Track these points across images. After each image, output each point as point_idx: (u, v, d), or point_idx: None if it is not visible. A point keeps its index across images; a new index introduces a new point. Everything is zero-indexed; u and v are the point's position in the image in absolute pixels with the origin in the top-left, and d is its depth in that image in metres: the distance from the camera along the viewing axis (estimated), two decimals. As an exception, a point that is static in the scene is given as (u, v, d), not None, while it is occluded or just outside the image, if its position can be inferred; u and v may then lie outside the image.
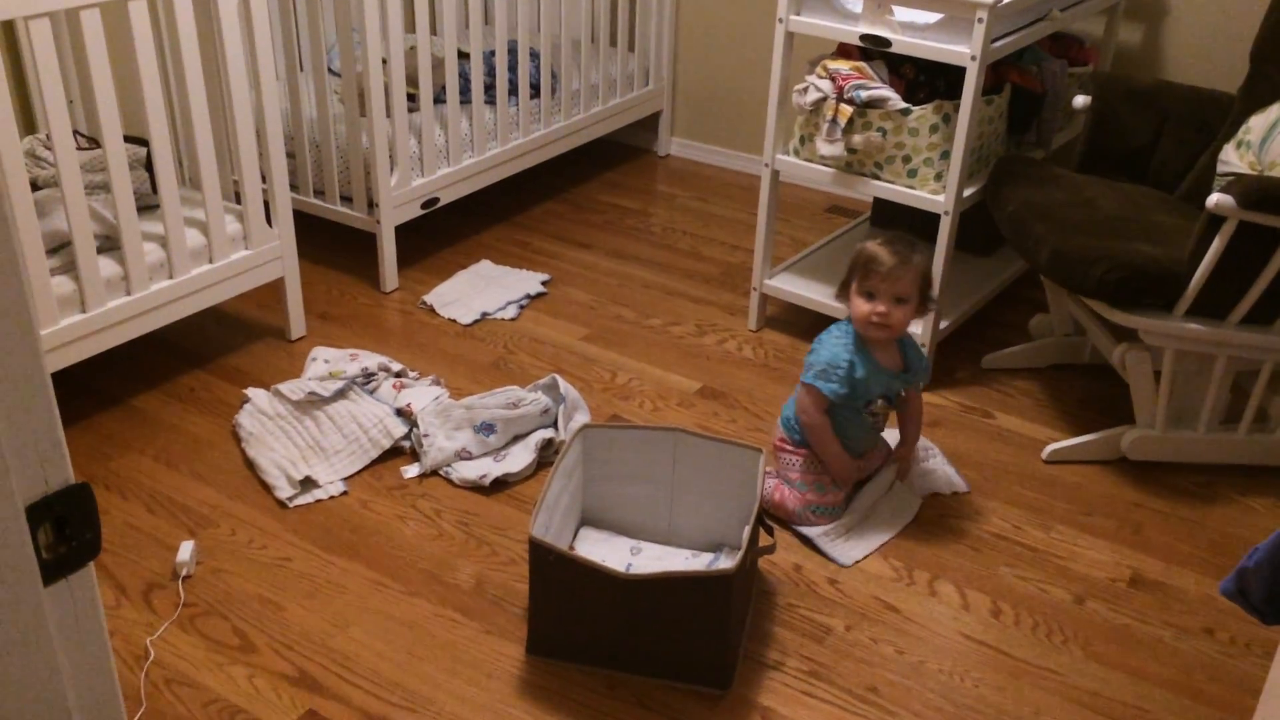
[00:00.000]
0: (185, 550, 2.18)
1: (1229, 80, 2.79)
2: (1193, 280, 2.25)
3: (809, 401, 2.24)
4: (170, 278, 2.59)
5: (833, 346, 2.24)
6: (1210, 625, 2.11)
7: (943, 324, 2.80)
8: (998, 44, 2.54)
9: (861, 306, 2.19)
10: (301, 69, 3.32)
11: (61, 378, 2.63)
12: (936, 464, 2.49)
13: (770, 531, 2.08)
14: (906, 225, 3.27)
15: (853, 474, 2.30)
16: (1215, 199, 2.15)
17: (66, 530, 0.73)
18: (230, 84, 2.59)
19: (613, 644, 1.96)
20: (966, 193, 2.67)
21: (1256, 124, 2.48)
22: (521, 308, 3.14)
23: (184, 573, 2.16)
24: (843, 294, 2.25)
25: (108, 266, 2.47)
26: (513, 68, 3.41)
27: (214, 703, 1.90)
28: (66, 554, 0.73)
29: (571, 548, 2.18)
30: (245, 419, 2.55)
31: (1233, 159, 2.52)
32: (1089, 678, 2.00)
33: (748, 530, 1.94)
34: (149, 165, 2.65)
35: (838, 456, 2.27)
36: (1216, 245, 2.19)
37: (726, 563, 2.16)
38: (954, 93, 2.60)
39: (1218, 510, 2.42)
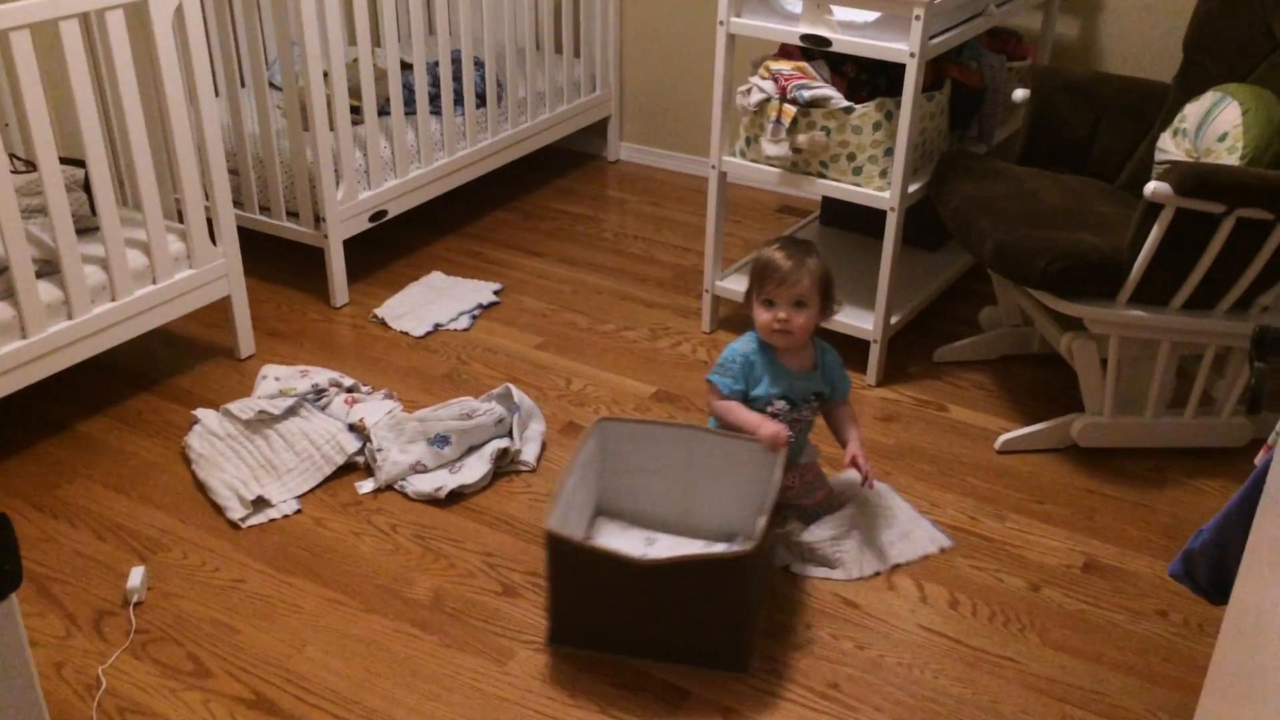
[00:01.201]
0: (136, 576, 2.15)
1: (1164, 70, 2.84)
2: (1134, 268, 2.28)
3: (709, 397, 2.24)
4: (113, 300, 2.55)
5: (735, 345, 2.23)
6: (1163, 607, 2.14)
7: (893, 319, 2.81)
8: (936, 40, 2.56)
9: (762, 315, 2.16)
10: (243, 84, 3.29)
11: (5, 406, 2.59)
12: (914, 526, 2.34)
13: (785, 520, 2.10)
14: (855, 223, 3.29)
15: (774, 424, 2.13)
16: (1152, 187, 2.18)
17: (-14, 562, 0.72)
18: (167, 101, 2.56)
19: (632, 631, 1.98)
20: (911, 189, 2.69)
21: (1191, 112, 2.52)
22: (474, 318, 3.13)
23: (135, 599, 2.12)
24: (746, 305, 2.21)
25: (48, 291, 2.43)
26: (457, 77, 3.39)
27: (169, 730, 1.87)
28: (-14, 586, 0.71)
29: (588, 538, 2.18)
30: (195, 440, 2.51)
31: (1170, 147, 2.56)
32: (1046, 664, 2.01)
33: (763, 520, 1.94)
34: (87, 186, 2.61)
35: (748, 418, 2.16)
36: (1155, 233, 2.22)
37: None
38: (895, 90, 2.62)
39: (1167, 493, 2.45)
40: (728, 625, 1.96)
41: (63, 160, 2.48)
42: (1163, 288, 2.32)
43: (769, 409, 2.19)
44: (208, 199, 2.73)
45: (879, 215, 2.69)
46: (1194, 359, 2.54)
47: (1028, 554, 2.27)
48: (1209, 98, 2.49)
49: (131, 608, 2.11)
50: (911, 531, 2.31)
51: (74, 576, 2.19)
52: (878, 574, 2.20)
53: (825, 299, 2.18)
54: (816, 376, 2.23)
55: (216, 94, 2.89)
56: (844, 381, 2.27)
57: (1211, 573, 1.59)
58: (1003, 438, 2.58)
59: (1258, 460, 1.61)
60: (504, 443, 2.51)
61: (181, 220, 2.70)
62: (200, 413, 2.58)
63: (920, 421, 2.69)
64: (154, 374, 2.85)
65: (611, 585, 1.94)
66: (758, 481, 2.13)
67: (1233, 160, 2.36)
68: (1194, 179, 2.16)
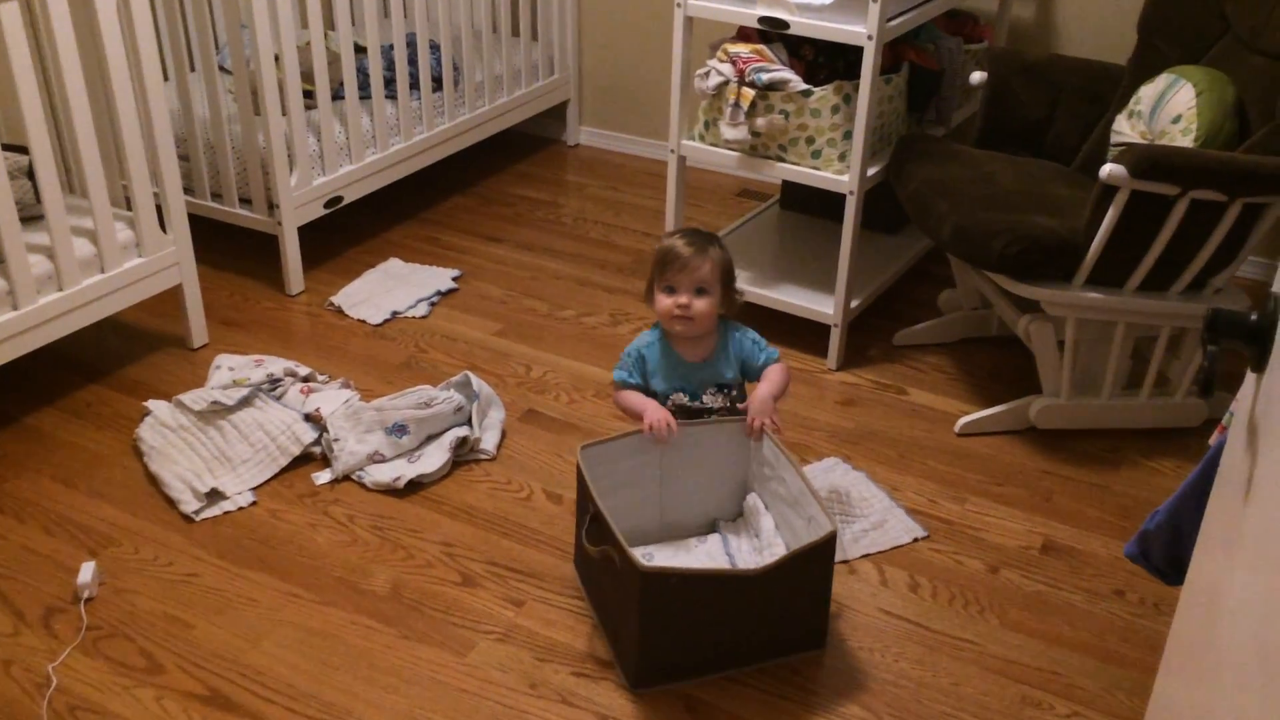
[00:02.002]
0: (86, 571, 2.10)
1: (1119, 52, 2.85)
2: (1090, 250, 2.29)
3: (613, 390, 2.20)
4: (60, 290, 2.49)
5: (635, 340, 2.19)
6: (1120, 587, 2.16)
7: (853, 303, 2.81)
8: (893, 23, 2.55)
9: (663, 302, 2.10)
10: (192, 68, 3.22)
11: (-53, 399, 2.53)
12: (888, 516, 2.31)
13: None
14: (814, 206, 3.29)
15: (658, 411, 2.08)
16: (1108, 169, 2.19)
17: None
18: (113, 85, 2.50)
19: (722, 646, 1.93)
20: (870, 172, 2.69)
21: (1146, 94, 2.53)
22: (432, 305, 3.09)
23: (86, 595, 2.08)
24: (648, 295, 2.15)
25: (-9, 281, 2.37)
26: (413, 61, 3.35)
27: (121, 728, 1.84)
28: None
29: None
30: (146, 432, 2.47)
31: (1125, 129, 2.57)
32: (1005, 646, 2.03)
33: (820, 508, 1.93)
34: (31, 174, 2.54)
35: (638, 404, 2.11)
36: (1111, 215, 2.23)
37: (736, 538, 2.18)
38: (853, 73, 2.61)
39: (1124, 474, 2.47)
40: (816, 607, 1.98)
41: (5, 147, 2.42)
42: (1118, 269, 2.34)
43: (669, 403, 2.15)
44: (157, 186, 2.67)
45: (838, 199, 2.69)
46: (1149, 340, 2.56)
47: (987, 536, 2.28)
48: (1163, 80, 2.50)
49: (82, 604, 2.07)
50: (885, 521, 2.29)
51: (22, 573, 2.15)
52: (844, 562, 2.20)
53: (727, 288, 2.12)
54: (715, 366, 2.16)
55: (165, 78, 2.83)
56: (762, 355, 2.17)
57: (1166, 552, 1.60)
58: (962, 420, 2.59)
59: (1212, 440, 1.62)
60: (463, 431, 2.48)
61: (130, 208, 2.65)
62: (152, 404, 2.53)
63: (880, 405, 2.69)
64: (104, 365, 2.79)
65: (711, 607, 1.86)
66: (728, 462, 2.14)
67: (1187, 142, 2.37)
68: (1149, 161, 2.17)
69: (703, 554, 2.17)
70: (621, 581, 1.86)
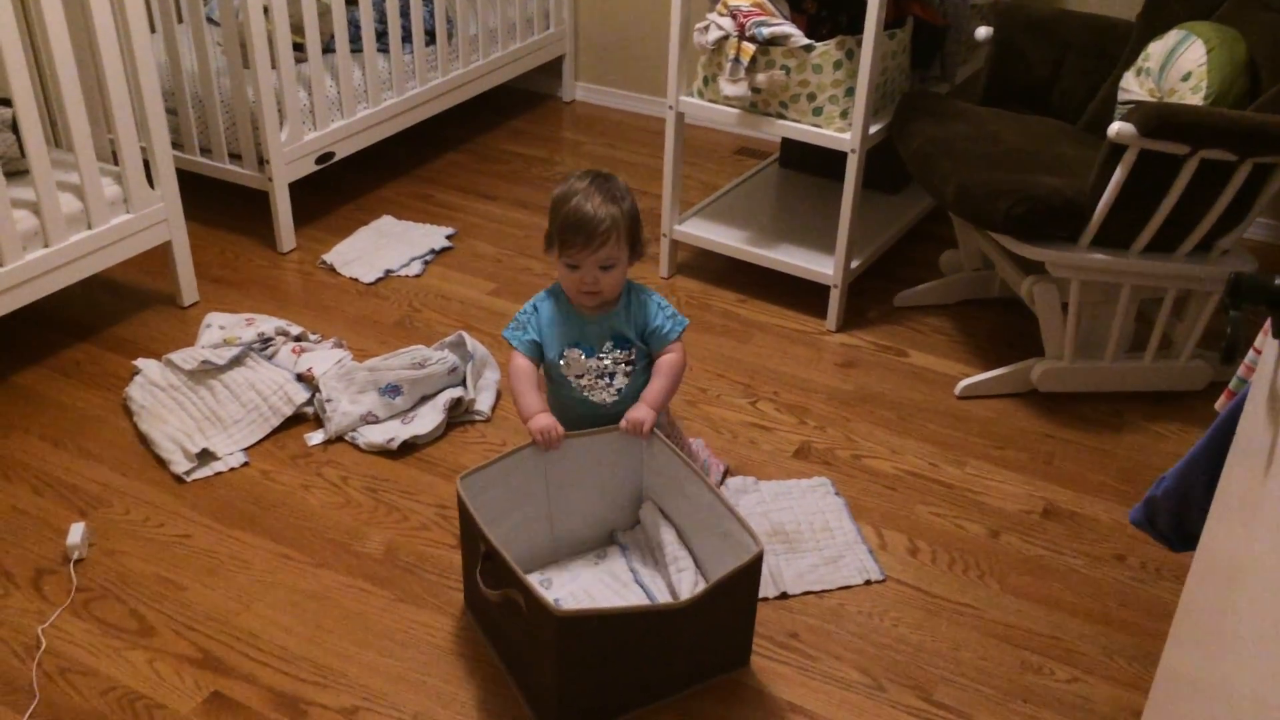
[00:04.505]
0: (76, 532, 2.07)
1: (1128, 7, 2.79)
2: (1096, 211, 2.25)
3: (509, 359, 2.00)
4: (45, 246, 2.44)
5: (526, 305, 2.02)
6: (1121, 552, 2.14)
7: (853, 264, 2.77)
8: (899, -24, 2.49)
9: (568, 278, 1.93)
10: (180, 19, 3.15)
11: (-68, 357, 2.49)
12: (846, 552, 2.12)
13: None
14: (815, 165, 3.24)
15: (544, 419, 1.93)
16: (1116, 127, 2.14)
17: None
18: (98, 36, 2.43)
19: (646, 680, 1.78)
20: (872, 130, 2.63)
21: (1155, 51, 2.48)
22: (426, 263, 3.05)
23: (75, 556, 2.05)
24: (548, 246, 1.96)
25: (-25, 236, 2.32)
26: (405, 13, 3.27)
27: (112, 690, 1.82)
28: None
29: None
30: (136, 391, 2.43)
31: (1133, 87, 2.52)
32: (1005, 610, 2.01)
33: (738, 523, 1.78)
34: (15, 127, 2.48)
35: (525, 405, 1.96)
36: (1118, 174, 2.19)
37: (638, 551, 2.04)
38: (856, 28, 2.55)
39: (1126, 438, 2.45)
40: (741, 627, 1.85)
41: (-13, 99, 2.36)
42: (1124, 230, 2.30)
43: (561, 360, 1.98)
44: (144, 140, 2.61)
45: (839, 157, 2.64)
46: (1153, 303, 2.53)
47: (987, 500, 2.26)
48: (1173, 36, 2.45)
49: (72, 565, 2.04)
50: (841, 557, 2.10)
51: (11, 534, 2.12)
52: (781, 596, 2.01)
53: (634, 247, 1.95)
54: (617, 317, 1.97)
55: (152, 30, 2.76)
56: (666, 324, 1.98)
57: (1173, 520, 1.58)
58: (963, 383, 2.57)
59: (1219, 406, 1.59)
60: (457, 392, 2.45)
61: (116, 162, 2.59)
62: (141, 363, 2.49)
63: (880, 367, 2.66)
64: (92, 323, 2.75)
65: (633, 645, 1.72)
66: (621, 469, 1.99)
67: (1197, 100, 2.33)
68: (1158, 119, 2.12)
69: (605, 574, 2.01)
70: (531, 626, 1.69)
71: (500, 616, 1.81)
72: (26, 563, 2.06)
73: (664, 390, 1.98)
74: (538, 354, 2.00)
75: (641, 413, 1.96)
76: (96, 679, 1.83)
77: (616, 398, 2.00)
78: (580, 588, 1.99)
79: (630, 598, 1.95)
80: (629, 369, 2.00)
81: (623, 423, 1.96)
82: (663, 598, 1.93)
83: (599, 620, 1.69)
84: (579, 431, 1.96)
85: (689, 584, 1.90)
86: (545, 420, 1.93)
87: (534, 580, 1.92)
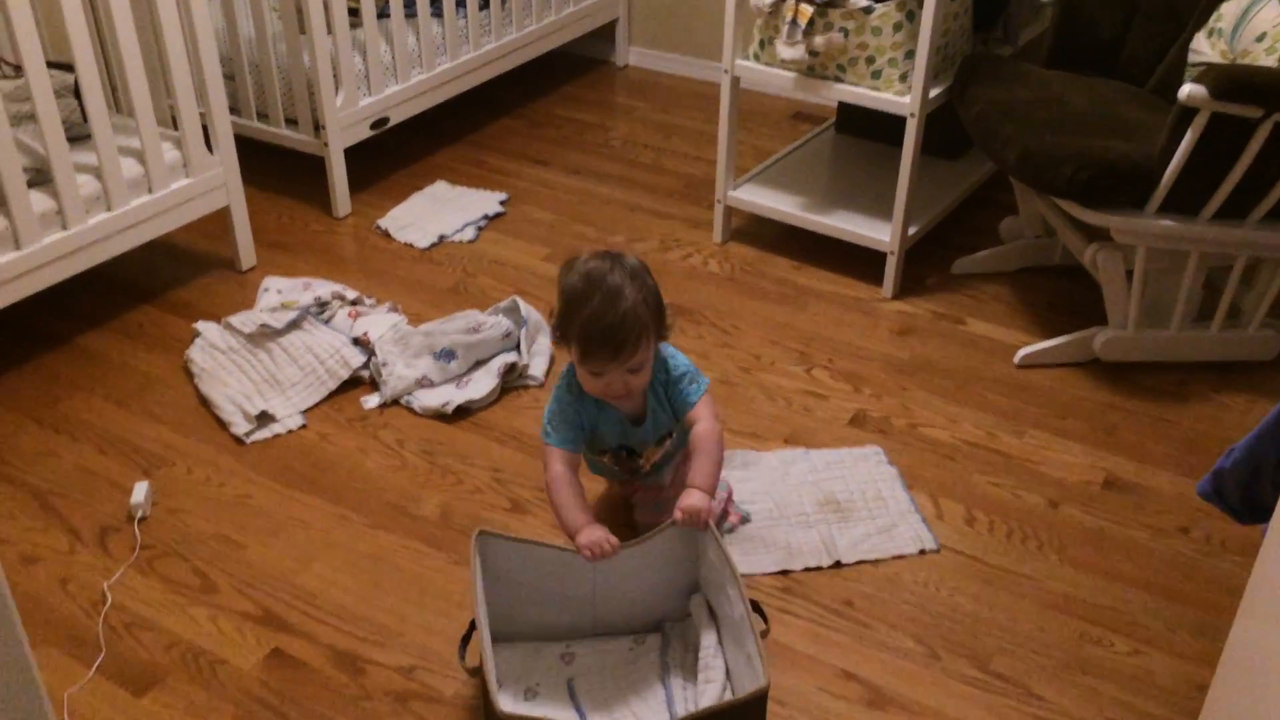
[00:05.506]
0: (140, 491, 2.11)
1: (1200, -33, 2.71)
2: (1165, 176, 2.19)
3: (546, 460, 1.86)
4: (108, 210, 2.48)
5: (557, 393, 1.87)
6: (1185, 524, 2.10)
7: (911, 230, 2.73)
8: (962, -66, 2.44)
9: (592, 383, 1.81)
10: (237, -15, 3.16)
11: (3, 319, 2.54)
12: (900, 521, 2.10)
13: (762, 615, 1.73)
14: (872, 130, 3.19)
15: (595, 531, 1.75)
16: (1187, 90, 2.08)
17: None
18: (157, 3, 2.45)
19: None
20: (933, 93, 2.59)
21: (1229, 10, 2.40)
22: (480, 229, 3.05)
23: (139, 514, 2.09)
24: (558, 337, 1.81)
25: (40, 201, 2.36)
26: (459, -23, 3.26)
27: (176, 645, 1.85)
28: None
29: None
30: (197, 354, 2.46)
31: (1204, 48, 2.45)
32: (1064, 581, 1.98)
33: (756, 650, 1.58)
34: (78, 92, 2.51)
35: (570, 520, 1.79)
36: (1189, 138, 2.13)
37: (680, 644, 1.84)
38: (918, -12, 2.50)
39: (1191, 409, 2.39)
40: None
41: (51, 65, 2.39)
42: (1194, 196, 2.23)
43: (603, 458, 1.96)
44: (202, 106, 2.64)
45: (898, 122, 2.59)
46: (1221, 270, 2.46)
47: (1046, 470, 2.23)
48: (1248, -5, 2.37)
49: (136, 523, 2.08)
50: (895, 526, 2.07)
51: (77, 491, 2.17)
52: (837, 564, 2.00)
53: (659, 332, 1.81)
54: (655, 419, 1.90)
55: (209, -5, 2.77)
56: (687, 389, 1.87)
57: (1242, 492, 1.54)
58: (1022, 351, 2.52)
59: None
60: (511, 357, 2.46)
61: (176, 127, 2.62)
62: (201, 325, 2.53)
63: (937, 335, 2.63)
64: (154, 286, 2.79)
65: None
66: (674, 563, 1.81)
67: (1271, 62, 2.25)
68: (1231, 81, 2.05)
69: (633, 665, 1.81)
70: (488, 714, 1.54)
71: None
72: (93, 520, 2.10)
73: (713, 471, 1.82)
74: (578, 451, 1.90)
75: (696, 499, 1.76)
76: (160, 634, 1.87)
77: (653, 462, 1.99)
78: (598, 675, 1.80)
79: (649, 698, 1.75)
80: (672, 448, 1.99)
81: (677, 513, 1.75)
82: (685, 706, 1.73)
83: None
84: (632, 541, 1.78)
85: (712, 697, 1.68)
86: (596, 534, 1.74)
87: (556, 649, 1.83)
